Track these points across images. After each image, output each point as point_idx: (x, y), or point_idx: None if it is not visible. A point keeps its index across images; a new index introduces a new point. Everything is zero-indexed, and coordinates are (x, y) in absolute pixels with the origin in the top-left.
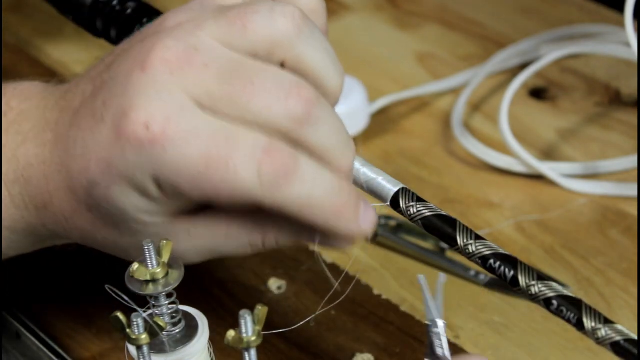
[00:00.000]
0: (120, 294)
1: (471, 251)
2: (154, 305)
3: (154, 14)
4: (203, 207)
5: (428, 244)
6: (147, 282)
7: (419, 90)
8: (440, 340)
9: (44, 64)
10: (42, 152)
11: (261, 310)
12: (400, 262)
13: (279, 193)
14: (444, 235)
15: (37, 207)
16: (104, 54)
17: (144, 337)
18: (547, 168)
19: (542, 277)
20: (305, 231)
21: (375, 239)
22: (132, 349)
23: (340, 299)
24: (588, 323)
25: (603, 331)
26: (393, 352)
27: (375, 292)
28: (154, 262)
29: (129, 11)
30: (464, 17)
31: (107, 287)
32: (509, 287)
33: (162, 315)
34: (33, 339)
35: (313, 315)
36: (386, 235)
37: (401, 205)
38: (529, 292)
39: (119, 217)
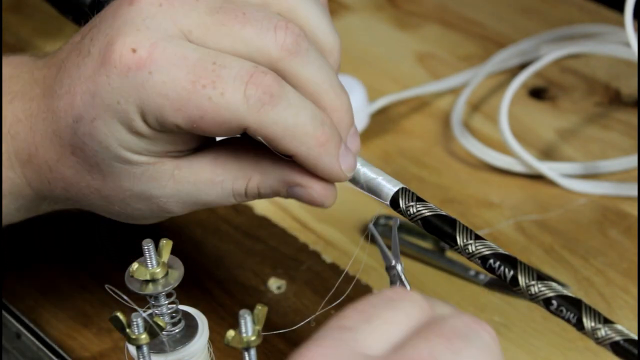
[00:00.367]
0: (120, 293)
1: (471, 251)
2: (153, 305)
3: None
4: (187, 153)
5: (428, 244)
6: (146, 281)
7: (418, 90)
8: (400, 280)
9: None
10: (29, 107)
11: (261, 310)
12: None
13: (264, 114)
14: (444, 235)
15: (21, 162)
16: None
17: (144, 337)
18: (547, 168)
19: (541, 277)
20: (287, 178)
21: (375, 239)
22: (131, 349)
23: (341, 299)
24: (588, 323)
25: (603, 331)
26: None
27: (375, 292)
28: (154, 262)
29: None
30: (464, 17)
31: (107, 286)
32: (509, 287)
33: (161, 315)
34: (33, 339)
35: (313, 316)
36: (386, 235)
37: (401, 205)
38: (529, 292)
39: (102, 155)
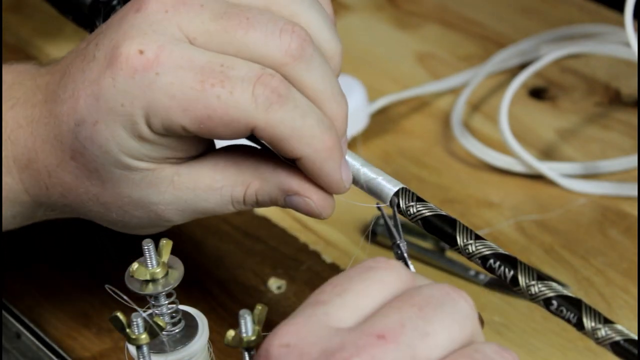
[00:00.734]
0: (120, 293)
1: (471, 251)
2: (153, 305)
3: None
4: (187, 160)
5: (428, 244)
6: (146, 281)
7: (418, 90)
8: (403, 259)
9: (42, 61)
10: (31, 113)
11: (261, 310)
12: None
13: (272, 112)
14: (444, 235)
15: (20, 168)
16: None
17: (144, 337)
18: (546, 168)
19: (541, 277)
20: (285, 186)
21: (375, 239)
22: (131, 349)
23: None
24: (588, 323)
25: (603, 331)
26: None
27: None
28: (154, 262)
29: None
30: (464, 17)
31: (107, 287)
32: (509, 287)
33: (161, 315)
34: (33, 339)
35: None
36: (386, 235)
37: (401, 205)
38: (529, 292)
39: (102, 160)
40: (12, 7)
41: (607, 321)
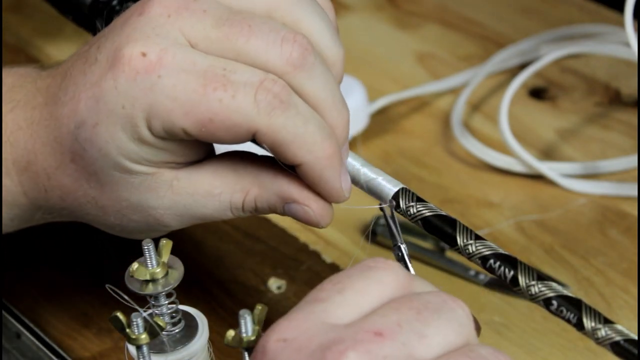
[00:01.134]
0: (120, 293)
1: (471, 251)
2: (153, 305)
3: None
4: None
5: (428, 244)
6: (146, 281)
7: (418, 90)
8: (403, 260)
9: (44, 64)
10: (31, 115)
11: (261, 310)
12: None
13: (275, 118)
14: (444, 235)
15: (19, 170)
16: None
17: (144, 337)
18: (546, 168)
19: (541, 277)
20: (285, 194)
21: (375, 239)
22: (131, 349)
23: None
24: (588, 323)
25: (603, 331)
26: None
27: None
28: (154, 262)
29: None
30: (464, 17)
31: (107, 286)
32: (509, 287)
33: (161, 315)
34: (33, 339)
35: None
36: (386, 235)
37: (401, 205)
38: (529, 292)
39: (101, 162)
40: (12, 7)
41: (607, 321)
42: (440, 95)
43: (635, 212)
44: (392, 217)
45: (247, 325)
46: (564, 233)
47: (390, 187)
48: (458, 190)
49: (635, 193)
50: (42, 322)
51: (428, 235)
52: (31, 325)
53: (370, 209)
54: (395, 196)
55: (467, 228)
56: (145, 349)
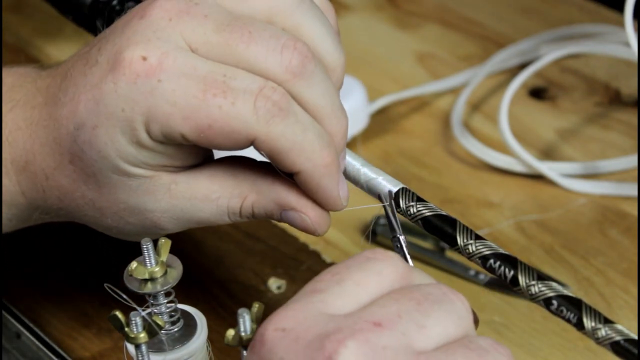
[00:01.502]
0: (119, 292)
1: (471, 251)
2: (152, 304)
3: None
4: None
5: (428, 244)
6: (145, 280)
7: (418, 90)
8: (402, 252)
9: (44, 64)
10: (30, 115)
11: (258, 308)
12: None
13: (273, 125)
14: (444, 235)
15: (17, 170)
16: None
17: (143, 336)
18: (546, 168)
19: (542, 277)
20: (282, 201)
21: (375, 239)
22: (130, 348)
23: None
24: (588, 323)
25: (603, 331)
26: None
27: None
28: (153, 261)
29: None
30: (464, 17)
31: (106, 285)
32: (509, 287)
33: (160, 314)
34: (33, 339)
35: None
36: (386, 235)
37: (401, 205)
38: (529, 292)
39: (99, 165)
40: (12, 7)
41: (607, 321)
42: (440, 95)
43: (635, 212)
44: (391, 206)
45: (246, 324)
46: (564, 233)
47: (390, 187)
48: (458, 190)
49: (635, 193)
50: (42, 322)
51: (428, 235)
52: (31, 325)
53: (370, 208)
54: (396, 194)
55: (467, 228)
56: (144, 348)
